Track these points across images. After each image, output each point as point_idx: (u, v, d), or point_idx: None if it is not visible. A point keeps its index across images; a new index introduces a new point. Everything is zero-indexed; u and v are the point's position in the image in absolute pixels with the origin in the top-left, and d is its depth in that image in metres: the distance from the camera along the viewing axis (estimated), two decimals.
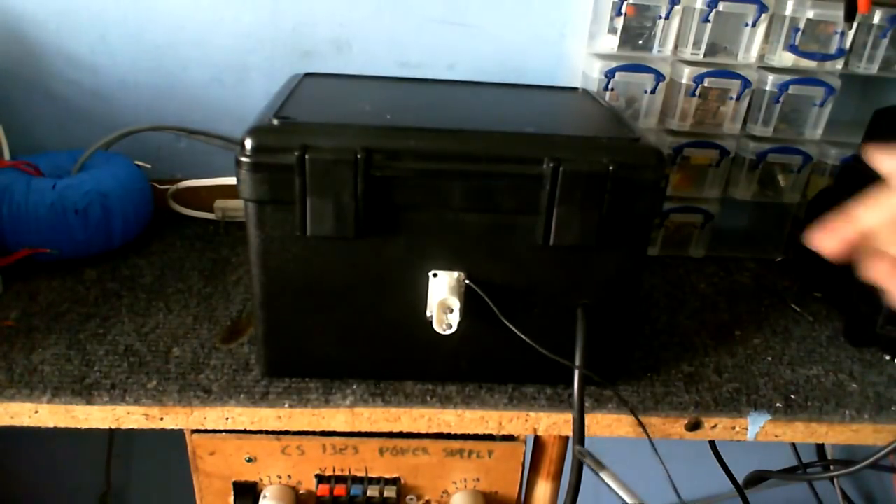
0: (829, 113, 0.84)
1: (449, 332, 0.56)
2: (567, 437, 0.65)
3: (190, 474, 0.64)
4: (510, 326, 0.56)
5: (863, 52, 0.83)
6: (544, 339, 0.57)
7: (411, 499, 0.66)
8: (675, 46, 0.81)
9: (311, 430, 0.60)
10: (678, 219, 0.89)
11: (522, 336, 0.56)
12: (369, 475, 0.64)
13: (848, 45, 0.81)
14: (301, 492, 0.65)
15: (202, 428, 0.60)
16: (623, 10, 0.78)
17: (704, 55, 0.81)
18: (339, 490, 0.64)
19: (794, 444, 1.08)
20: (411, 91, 0.72)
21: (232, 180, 0.55)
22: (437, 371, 0.62)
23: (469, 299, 0.57)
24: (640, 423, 0.60)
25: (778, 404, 0.63)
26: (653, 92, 0.82)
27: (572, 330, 0.58)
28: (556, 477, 0.69)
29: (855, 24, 0.79)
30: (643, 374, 0.65)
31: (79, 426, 0.59)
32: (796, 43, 0.80)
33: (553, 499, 0.70)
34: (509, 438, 0.64)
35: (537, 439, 0.67)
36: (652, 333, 0.72)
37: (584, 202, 0.53)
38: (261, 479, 0.64)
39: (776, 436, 0.62)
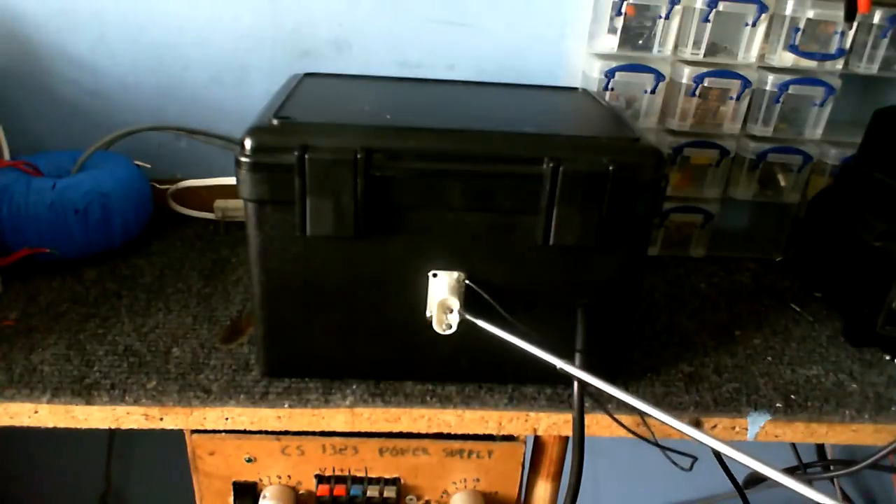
0: (829, 113, 0.84)
1: (449, 332, 0.56)
2: (567, 437, 0.65)
3: (190, 474, 0.64)
4: (515, 322, 0.56)
5: (863, 52, 0.83)
6: (544, 339, 0.57)
7: (411, 499, 0.66)
8: (675, 46, 0.81)
9: (310, 430, 0.60)
10: (678, 219, 0.89)
11: (524, 330, 0.56)
12: (369, 475, 0.64)
13: (848, 45, 0.81)
14: (301, 492, 0.65)
15: (202, 428, 0.60)
16: (623, 10, 0.78)
17: (704, 55, 0.81)
18: (339, 490, 0.64)
19: (794, 444, 1.08)
20: (411, 91, 0.72)
21: (232, 180, 0.55)
22: (437, 371, 0.62)
23: (469, 299, 0.57)
24: (645, 423, 0.60)
25: (778, 404, 0.63)
26: (653, 92, 0.82)
27: (572, 330, 0.58)
28: (556, 477, 0.69)
29: (855, 24, 0.79)
30: (643, 374, 0.65)
31: (79, 426, 0.59)
32: (796, 43, 0.80)
33: (553, 499, 0.70)
34: (509, 438, 0.64)
35: (537, 439, 0.67)
36: (652, 333, 0.72)
37: (584, 202, 0.53)
38: (261, 480, 0.64)
39: (776, 436, 0.62)
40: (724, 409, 0.62)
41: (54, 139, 0.91)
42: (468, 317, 0.55)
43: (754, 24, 0.79)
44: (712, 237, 0.91)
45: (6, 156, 0.82)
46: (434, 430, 0.61)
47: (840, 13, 0.77)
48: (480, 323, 0.55)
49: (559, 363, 0.53)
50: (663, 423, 0.50)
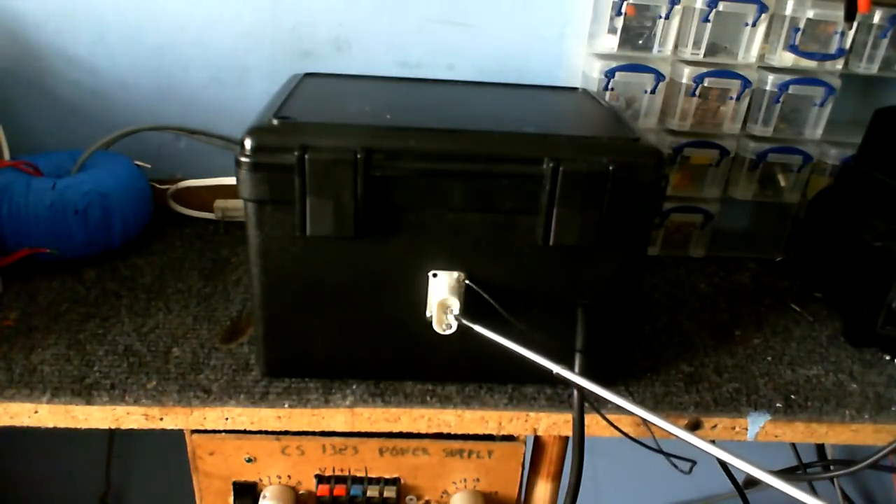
0: (829, 113, 0.84)
1: (449, 332, 0.56)
2: (567, 437, 0.65)
3: (190, 474, 0.64)
4: (515, 323, 0.56)
5: (863, 52, 0.83)
6: (544, 339, 0.57)
7: (411, 499, 0.66)
8: (675, 46, 0.81)
9: (310, 430, 0.60)
10: (678, 219, 0.89)
11: (524, 330, 0.56)
12: (369, 475, 0.64)
13: (848, 45, 0.81)
14: (301, 492, 0.65)
15: (202, 428, 0.60)
16: (623, 10, 0.78)
17: (704, 55, 0.81)
18: (339, 490, 0.64)
19: (794, 444, 1.08)
20: (411, 91, 0.72)
21: (232, 180, 0.55)
22: (437, 371, 0.62)
23: (469, 299, 0.57)
24: (645, 424, 0.60)
25: (778, 404, 0.63)
26: (653, 92, 0.82)
27: (572, 330, 0.58)
28: (556, 477, 0.69)
29: (855, 24, 0.79)
30: (643, 374, 0.65)
31: (79, 426, 0.59)
32: (796, 43, 0.80)
33: (553, 499, 0.70)
34: (509, 438, 0.64)
35: (537, 439, 0.67)
36: (652, 333, 0.72)
37: (584, 202, 0.53)
38: (261, 480, 0.64)
39: (776, 436, 0.62)
40: (724, 409, 0.62)
41: (54, 139, 0.91)
42: (466, 322, 0.55)
43: (754, 24, 0.79)
44: (712, 237, 0.91)
45: (6, 156, 0.82)
46: (434, 430, 0.61)
47: (840, 13, 0.77)
48: (478, 328, 0.55)
49: (556, 368, 0.53)
50: (661, 428, 0.50)
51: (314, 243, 0.55)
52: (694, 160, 0.86)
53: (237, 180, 0.53)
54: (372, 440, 0.63)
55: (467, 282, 0.56)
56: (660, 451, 0.58)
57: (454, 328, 0.56)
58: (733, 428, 0.62)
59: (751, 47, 0.81)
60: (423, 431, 0.61)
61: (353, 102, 0.66)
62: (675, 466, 0.58)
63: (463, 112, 0.66)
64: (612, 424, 0.59)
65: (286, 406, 0.59)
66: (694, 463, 0.57)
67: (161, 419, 0.59)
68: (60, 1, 0.85)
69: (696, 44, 0.80)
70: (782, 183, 0.88)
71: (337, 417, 0.59)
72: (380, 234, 0.55)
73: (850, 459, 0.90)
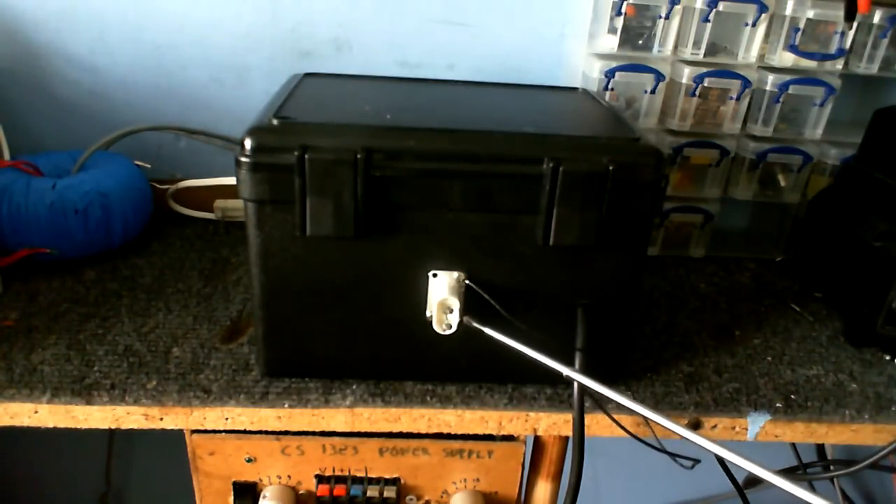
0: (829, 113, 0.84)
1: (449, 332, 0.56)
2: (567, 437, 0.65)
3: (190, 474, 0.64)
4: (515, 322, 0.56)
5: (863, 52, 0.83)
6: (544, 339, 0.57)
7: (411, 499, 0.66)
8: (675, 46, 0.81)
9: (310, 430, 0.60)
10: (678, 219, 0.89)
11: (524, 330, 0.56)
12: (369, 475, 0.64)
13: (848, 45, 0.81)
14: (301, 492, 0.65)
15: (202, 428, 0.60)
16: (623, 10, 0.78)
17: (704, 55, 0.81)
18: (339, 490, 0.64)
19: (794, 444, 1.08)
20: (411, 91, 0.72)
21: (232, 180, 0.55)
22: (437, 371, 0.62)
23: (469, 299, 0.57)
24: (647, 423, 0.60)
25: (778, 404, 0.63)
26: (653, 92, 0.82)
27: (572, 330, 0.58)
28: (556, 477, 0.69)
29: (855, 24, 0.79)
30: (643, 374, 0.65)
31: (79, 426, 0.59)
32: (796, 43, 0.80)
33: (553, 499, 0.70)
34: (509, 438, 0.64)
35: (537, 439, 0.67)
36: (652, 333, 0.72)
37: (584, 202, 0.53)
38: (261, 480, 0.64)
39: (776, 436, 0.62)
40: (724, 409, 0.62)
41: (54, 139, 0.91)
42: (474, 324, 0.55)
43: (754, 24, 0.79)
44: (712, 237, 0.91)
45: (6, 156, 0.82)
46: (434, 430, 0.61)
47: (840, 13, 0.77)
48: (485, 329, 0.55)
49: (565, 370, 0.53)
50: (663, 426, 0.50)
51: (314, 243, 0.55)
52: (694, 160, 0.86)
53: (237, 180, 0.53)
54: (372, 440, 0.63)
55: (467, 282, 0.56)
56: (663, 449, 0.58)
57: (454, 328, 0.56)
58: (733, 428, 0.62)
59: (751, 47, 0.81)
60: (423, 431, 0.61)
61: (353, 102, 0.66)
62: (679, 464, 0.58)
63: (463, 112, 0.66)
64: (617, 423, 0.59)
65: (286, 406, 0.59)
66: (697, 461, 0.57)
67: (161, 419, 0.59)
68: (60, 0, 0.85)
69: (696, 44, 0.80)
70: (782, 183, 0.88)
71: (337, 417, 0.59)
72: (380, 234, 0.55)
73: (850, 459, 0.90)
